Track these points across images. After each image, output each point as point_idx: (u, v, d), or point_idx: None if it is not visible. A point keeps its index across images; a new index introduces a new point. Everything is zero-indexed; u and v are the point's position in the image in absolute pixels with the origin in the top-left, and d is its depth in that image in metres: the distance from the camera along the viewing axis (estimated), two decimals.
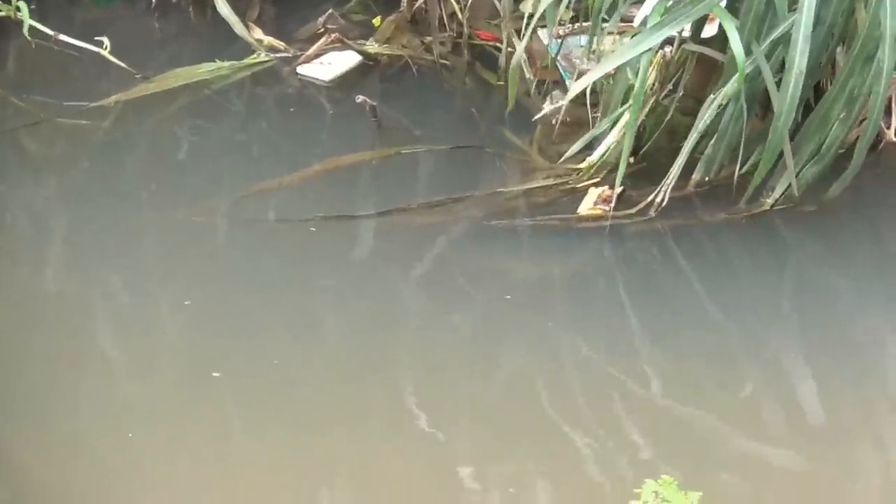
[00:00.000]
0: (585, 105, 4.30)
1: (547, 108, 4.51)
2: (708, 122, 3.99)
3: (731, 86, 3.86)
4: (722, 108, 3.98)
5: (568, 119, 4.42)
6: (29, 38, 5.04)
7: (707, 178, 4.18)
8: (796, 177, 4.01)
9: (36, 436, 3.21)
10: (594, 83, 4.19)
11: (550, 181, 4.25)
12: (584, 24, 4.55)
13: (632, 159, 4.25)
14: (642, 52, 3.84)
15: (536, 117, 4.44)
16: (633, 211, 4.08)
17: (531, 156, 4.33)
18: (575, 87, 4.02)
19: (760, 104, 4.14)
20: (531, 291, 3.81)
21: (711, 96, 3.98)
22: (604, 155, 4.21)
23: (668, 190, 4.06)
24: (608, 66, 3.92)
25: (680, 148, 4.07)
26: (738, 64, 3.71)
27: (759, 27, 3.86)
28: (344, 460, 3.15)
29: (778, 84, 3.83)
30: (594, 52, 4.29)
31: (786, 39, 3.79)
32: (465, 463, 3.11)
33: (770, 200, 4.07)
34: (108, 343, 3.53)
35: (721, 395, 3.40)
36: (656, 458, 3.15)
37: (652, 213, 4.07)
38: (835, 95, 3.91)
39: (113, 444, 3.17)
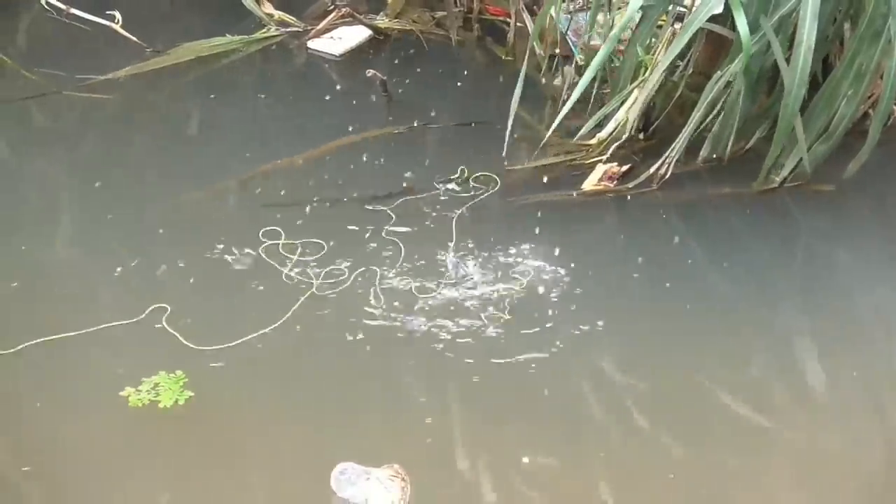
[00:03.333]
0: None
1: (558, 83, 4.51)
2: (714, 98, 3.99)
3: (737, 63, 3.84)
4: (729, 85, 3.97)
5: None
6: (47, 7, 5.12)
7: (714, 155, 4.19)
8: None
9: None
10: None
11: (560, 157, 4.26)
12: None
13: (641, 136, 4.29)
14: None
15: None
16: (634, 184, 4.10)
17: (541, 132, 4.31)
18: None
19: (767, 80, 4.14)
20: (537, 264, 3.81)
21: (718, 73, 3.97)
22: (613, 132, 4.22)
23: (672, 164, 4.08)
24: None
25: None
26: (744, 43, 3.68)
27: (766, 2, 3.83)
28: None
29: (786, 60, 3.83)
30: (603, 27, 4.28)
31: (788, 16, 3.79)
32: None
33: (779, 178, 4.07)
34: (110, 314, 3.54)
35: (723, 362, 3.44)
36: (656, 426, 3.22)
37: (654, 185, 4.09)
38: (842, 73, 3.90)
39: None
